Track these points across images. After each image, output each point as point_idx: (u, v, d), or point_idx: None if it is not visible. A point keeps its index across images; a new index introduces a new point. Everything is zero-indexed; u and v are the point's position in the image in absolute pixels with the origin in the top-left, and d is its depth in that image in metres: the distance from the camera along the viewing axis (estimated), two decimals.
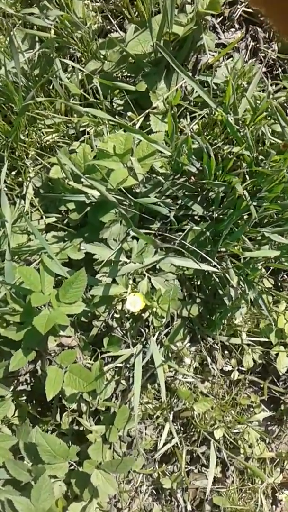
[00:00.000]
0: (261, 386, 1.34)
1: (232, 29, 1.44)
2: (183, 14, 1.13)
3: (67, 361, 1.01)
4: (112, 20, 1.21)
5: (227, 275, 1.08)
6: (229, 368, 1.29)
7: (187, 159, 1.07)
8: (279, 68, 1.48)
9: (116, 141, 1.05)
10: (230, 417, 1.30)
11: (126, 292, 1.01)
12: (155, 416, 1.26)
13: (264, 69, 1.47)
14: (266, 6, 0.45)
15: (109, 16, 1.19)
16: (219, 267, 1.06)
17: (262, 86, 1.29)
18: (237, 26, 1.45)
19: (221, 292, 1.11)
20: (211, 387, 1.29)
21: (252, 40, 1.46)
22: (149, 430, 1.28)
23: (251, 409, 1.36)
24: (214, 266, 1.07)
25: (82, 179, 1.04)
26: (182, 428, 1.32)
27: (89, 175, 1.06)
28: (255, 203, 1.06)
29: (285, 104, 1.23)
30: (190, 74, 1.20)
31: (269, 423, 1.40)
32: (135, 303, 0.97)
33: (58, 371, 1.00)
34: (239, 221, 1.14)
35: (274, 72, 1.48)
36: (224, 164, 1.11)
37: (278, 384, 1.33)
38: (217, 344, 1.25)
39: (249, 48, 1.44)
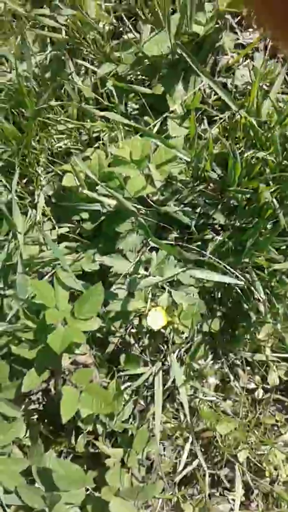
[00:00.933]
0: (286, 404, 1.27)
1: (250, 29, 1.39)
2: (202, 13, 1.07)
3: (83, 381, 0.94)
4: (127, 21, 1.15)
5: (252, 288, 1.02)
6: (252, 386, 1.21)
7: (209, 165, 1.01)
8: None
9: (132, 146, 1.00)
10: (254, 437, 1.22)
11: (145, 307, 0.94)
12: (174, 437, 1.19)
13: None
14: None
15: (123, 16, 1.14)
16: (243, 279, 1.00)
17: (282, 88, 1.23)
18: (254, 26, 1.39)
19: (245, 306, 1.04)
20: (233, 405, 1.22)
21: (271, 41, 1.40)
22: (167, 451, 1.21)
23: (276, 428, 1.28)
24: (238, 278, 1.00)
25: (97, 187, 0.99)
26: (203, 449, 1.24)
27: (104, 183, 1.00)
28: (282, 211, 0.99)
29: None
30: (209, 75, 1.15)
31: None
32: (156, 319, 0.90)
33: (73, 391, 0.93)
34: (263, 231, 1.07)
35: None
36: (247, 170, 1.05)
37: None
38: (239, 360, 1.18)
39: (268, 49, 1.38)
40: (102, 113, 0.98)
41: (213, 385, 1.12)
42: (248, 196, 1.00)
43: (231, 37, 1.20)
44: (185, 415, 1.10)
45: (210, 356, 1.14)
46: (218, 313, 1.15)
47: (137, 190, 0.96)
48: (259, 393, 1.21)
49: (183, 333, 0.97)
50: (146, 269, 1.02)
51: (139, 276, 0.95)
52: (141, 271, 0.96)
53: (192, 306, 0.95)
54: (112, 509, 0.97)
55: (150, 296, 0.96)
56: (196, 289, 1.00)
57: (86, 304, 0.91)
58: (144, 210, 1.03)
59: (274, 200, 0.93)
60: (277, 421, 1.26)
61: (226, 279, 0.98)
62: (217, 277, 0.97)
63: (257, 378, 1.21)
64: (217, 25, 1.05)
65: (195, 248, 1.00)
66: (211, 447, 1.24)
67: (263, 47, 1.38)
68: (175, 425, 1.19)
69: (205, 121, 1.18)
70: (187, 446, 1.18)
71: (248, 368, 1.23)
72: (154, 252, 0.97)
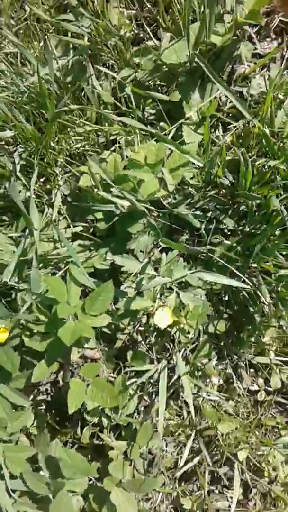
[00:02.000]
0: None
1: (268, 39, 1.41)
2: (221, 24, 1.10)
3: (91, 374, 0.98)
4: (147, 28, 1.19)
5: (258, 292, 1.05)
6: (255, 387, 1.24)
7: (221, 171, 1.04)
8: None
9: (147, 151, 1.03)
10: (254, 438, 1.25)
11: (153, 306, 0.98)
12: (176, 434, 1.23)
13: None
14: None
15: (144, 24, 1.17)
16: (249, 283, 1.03)
17: None
18: (273, 36, 1.42)
19: (251, 309, 1.07)
20: (235, 406, 1.25)
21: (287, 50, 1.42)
22: (170, 447, 1.24)
23: (276, 430, 1.31)
24: (244, 282, 1.03)
25: (112, 189, 1.02)
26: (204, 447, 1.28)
27: (119, 185, 1.04)
28: None
29: None
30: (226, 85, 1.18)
31: None
32: (162, 318, 0.94)
33: (81, 384, 0.97)
34: (271, 236, 1.10)
35: None
36: (258, 177, 1.07)
37: None
38: (243, 362, 1.21)
39: (285, 58, 1.41)
40: (119, 118, 1.02)
41: (216, 385, 1.15)
42: (258, 202, 1.02)
43: (249, 47, 1.22)
44: (188, 412, 1.13)
45: (215, 357, 1.17)
46: (225, 315, 1.18)
47: (150, 193, 1.00)
48: (261, 395, 1.24)
49: (189, 333, 1.00)
50: (156, 269, 1.05)
51: (148, 276, 0.98)
52: (151, 271, 0.99)
53: (198, 307, 0.98)
54: (113, 499, 1.01)
55: (158, 296, 0.99)
56: (203, 291, 1.03)
57: (96, 301, 0.95)
58: (156, 212, 1.06)
59: (283, 208, 0.96)
60: (277, 423, 1.29)
61: (234, 283, 1.01)
62: (225, 280, 1.00)
63: (260, 380, 1.24)
64: (235, 37, 1.08)
65: (204, 252, 1.03)
66: (212, 445, 1.27)
67: (280, 56, 1.40)
68: (178, 422, 1.22)
69: (220, 127, 1.21)
70: (189, 443, 1.21)
71: (252, 370, 1.26)
72: (164, 254, 1.01)
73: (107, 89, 1.17)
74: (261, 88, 1.24)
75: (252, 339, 1.20)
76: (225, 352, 1.20)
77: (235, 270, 1.02)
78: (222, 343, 1.19)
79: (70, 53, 1.11)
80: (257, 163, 1.07)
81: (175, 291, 1.01)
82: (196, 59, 1.08)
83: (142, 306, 0.97)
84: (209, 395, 1.18)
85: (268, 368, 1.23)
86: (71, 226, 1.11)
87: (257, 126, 1.02)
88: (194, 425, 1.22)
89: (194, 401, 1.21)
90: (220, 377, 1.18)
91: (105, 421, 1.07)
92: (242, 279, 1.02)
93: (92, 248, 1.13)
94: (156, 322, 0.93)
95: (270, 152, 1.07)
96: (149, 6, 1.24)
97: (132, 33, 1.20)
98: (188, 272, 0.99)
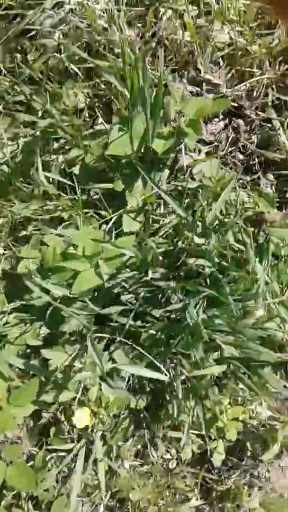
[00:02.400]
0: (198, 469, 1.40)
1: (216, 119, 1.49)
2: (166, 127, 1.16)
3: (11, 456, 1.04)
4: (99, 114, 1.23)
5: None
6: (168, 456, 1.34)
7: (152, 268, 1.12)
8: (256, 158, 1.53)
9: (85, 243, 1.09)
10: (164, 500, 1.35)
11: (76, 397, 1.04)
12: (93, 495, 1.30)
13: (241, 157, 1.53)
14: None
15: (98, 112, 1.22)
16: (168, 375, 1.10)
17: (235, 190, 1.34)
18: (221, 116, 1.49)
19: (167, 397, 1.16)
20: (150, 468, 1.35)
21: (233, 132, 1.51)
22: (86, 507, 1.32)
23: (186, 490, 1.41)
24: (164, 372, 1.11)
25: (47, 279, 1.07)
26: (118, 504, 1.37)
27: (56, 272, 1.09)
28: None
29: (253, 217, 1.28)
30: (168, 173, 1.25)
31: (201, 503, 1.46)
32: (82, 418, 1.01)
33: (1, 465, 1.03)
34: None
35: (251, 162, 1.53)
36: (186, 273, 1.16)
37: (212, 472, 1.39)
38: (159, 433, 1.30)
39: (229, 139, 1.49)
40: (61, 234, 1.07)
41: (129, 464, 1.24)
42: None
43: (193, 138, 1.28)
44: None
45: (132, 432, 1.24)
46: (147, 389, 1.27)
47: (84, 288, 1.05)
48: (173, 464, 1.34)
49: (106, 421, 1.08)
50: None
51: (74, 368, 1.05)
52: (78, 364, 1.05)
53: (118, 399, 1.06)
54: None
55: (81, 386, 1.06)
56: (124, 383, 1.10)
57: (21, 395, 1.00)
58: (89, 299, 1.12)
59: (200, 320, 1.04)
60: (186, 485, 1.39)
61: (155, 375, 1.09)
62: (147, 373, 1.07)
63: (173, 450, 1.33)
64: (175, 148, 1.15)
65: (127, 342, 1.11)
66: (126, 504, 1.36)
67: (225, 137, 1.48)
68: (94, 484, 1.30)
69: (161, 206, 1.28)
70: (103, 504, 1.30)
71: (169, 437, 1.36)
72: (90, 347, 1.07)
73: (58, 169, 1.20)
74: (202, 173, 1.31)
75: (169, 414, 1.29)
76: (144, 423, 1.29)
77: (154, 361, 1.10)
78: (141, 415, 1.27)
79: (20, 137, 1.14)
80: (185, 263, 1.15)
81: (98, 383, 1.07)
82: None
83: (65, 399, 1.03)
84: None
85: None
86: (6, 303, 1.15)
87: (185, 237, 1.10)
88: (109, 487, 1.30)
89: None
90: (133, 451, 1.26)
91: (23, 493, 1.13)
92: (163, 373, 1.10)
93: (27, 321, 1.18)
94: (75, 422, 1.00)
95: (198, 256, 1.15)
96: (103, 86, 1.28)
97: (84, 115, 1.24)
98: (111, 365, 1.05)
